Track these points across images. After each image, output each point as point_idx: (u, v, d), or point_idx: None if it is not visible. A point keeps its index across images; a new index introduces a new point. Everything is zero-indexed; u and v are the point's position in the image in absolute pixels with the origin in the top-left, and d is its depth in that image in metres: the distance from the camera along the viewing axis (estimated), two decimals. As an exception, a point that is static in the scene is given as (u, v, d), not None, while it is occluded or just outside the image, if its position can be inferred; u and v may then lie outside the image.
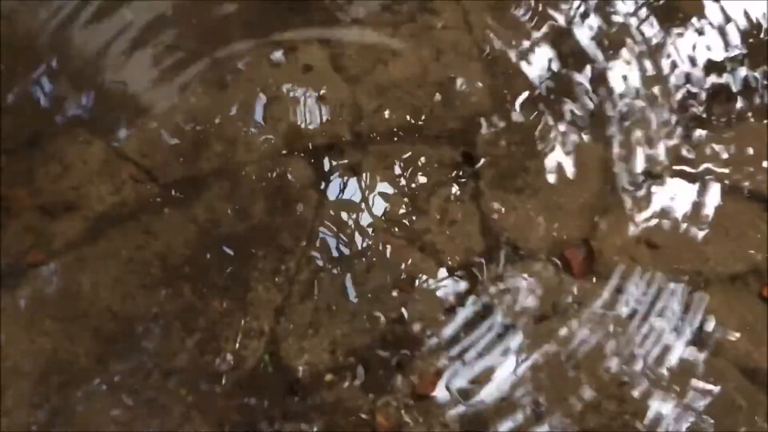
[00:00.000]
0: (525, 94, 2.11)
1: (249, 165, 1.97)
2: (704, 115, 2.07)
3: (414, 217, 1.88)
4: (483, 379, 1.65)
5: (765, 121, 2.04)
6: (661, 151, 2.00)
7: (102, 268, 1.79)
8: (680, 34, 2.26)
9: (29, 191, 1.91)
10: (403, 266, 1.80)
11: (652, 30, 2.27)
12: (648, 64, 2.18)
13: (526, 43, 2.23)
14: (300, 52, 2.20)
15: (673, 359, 1.67)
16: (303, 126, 2.04)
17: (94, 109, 2.09)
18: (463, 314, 1.74)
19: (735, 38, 2.24)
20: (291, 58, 2.18)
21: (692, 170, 1.96)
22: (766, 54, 2.20)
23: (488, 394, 1.63)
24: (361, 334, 1.70)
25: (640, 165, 1.96)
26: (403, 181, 1.94)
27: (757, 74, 2.16)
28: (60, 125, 2.05)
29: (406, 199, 1.91)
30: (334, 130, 2.03)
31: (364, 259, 1.81)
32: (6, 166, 1.95)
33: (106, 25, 2.29)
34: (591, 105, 2.09)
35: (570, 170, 1.96)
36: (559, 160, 1.98)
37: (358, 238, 1.85)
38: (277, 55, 2.19)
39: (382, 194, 1.92)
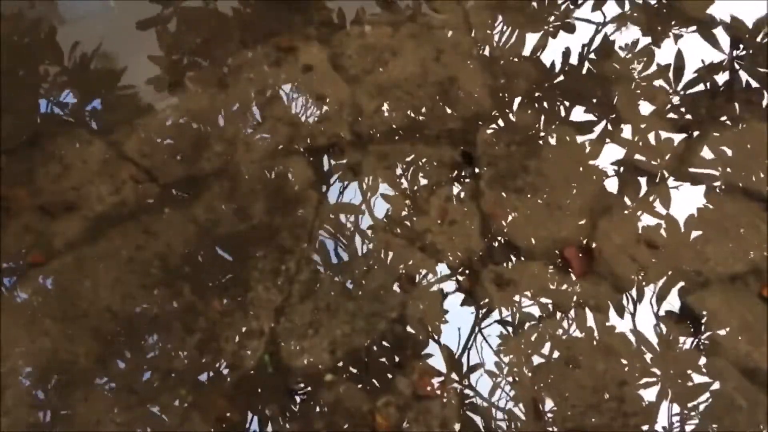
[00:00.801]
0: (525, 94, 2.11)
1: (249, 165, 1.97)
2: (704, 115, 2.07)
3: (414, 217, 1.88)
4: (483, 378, 1.65)
5: (765, 121, 2.04)
6: (661, 151, 2.00)
7: (102, 268, 1.79)
8: (681, 35, 2.26)
9: (29, 191, 1.91)
10: (403, 266, 1.80)
11: (653, 30, 2.28)
12: (648, 64, 2.19)
13: (525, 43, 2.24)
14: (300, 52, 2.20)
15: (673, 359, 1.66)
16: (303, 126, 2.04)
17: (94, 109, 2.09)
18: (463, 314, 1.73)
19: (735, 38, 2.24)
20: (291, 58, 2.19)
21: (692, 170, 1.96)
22: (766, 54, 2.21)
23: (488, 393, 1.63)
24: (361, 334, 1.70)
25: (640, 164, 1.97)
26: (403, 181, 1.94)
27: (757, 74, 2.16)
28: (60, 125, 2.05)
29: (406, 200, 1.91)
30: (334, 130, 2.03)
31: (364, 259, 1.81)
32: (6, 166, 1.96)
33: (107, 25, 2.30)
34: (591, 105, 2.09)
35: (570, 170, 1.96)
36: (559, 159, 1.98)
37: (358, 238, 1.85)
38: (277, 55, 2.19)
39: (383, 194, 1.92)
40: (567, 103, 2.09)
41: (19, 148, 1.99)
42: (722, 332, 1.69)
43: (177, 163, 1.97)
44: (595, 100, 2.10)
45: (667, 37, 2.26)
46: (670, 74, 2.16)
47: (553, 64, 2.19)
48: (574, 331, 1.71)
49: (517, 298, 1.75)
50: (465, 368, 1.66)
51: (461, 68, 2.16)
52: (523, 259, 1.81)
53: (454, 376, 1.65)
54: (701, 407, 1.60)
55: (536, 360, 1.67)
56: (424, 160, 1.98)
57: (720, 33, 2.27)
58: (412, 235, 1.85)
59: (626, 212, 1.88)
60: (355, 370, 1.65)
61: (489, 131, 2.03)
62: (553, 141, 2.01)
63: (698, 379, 1.64)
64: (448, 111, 2.07)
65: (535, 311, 1.74)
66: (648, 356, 1.67)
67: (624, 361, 1.66)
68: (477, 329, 1.72)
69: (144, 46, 2.22)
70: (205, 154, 1.98)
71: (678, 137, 2.02)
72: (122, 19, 2.29)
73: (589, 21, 2.31)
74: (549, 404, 1.61)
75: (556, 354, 1.67)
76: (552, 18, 2.30)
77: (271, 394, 1.62)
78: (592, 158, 1.98)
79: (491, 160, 1.98)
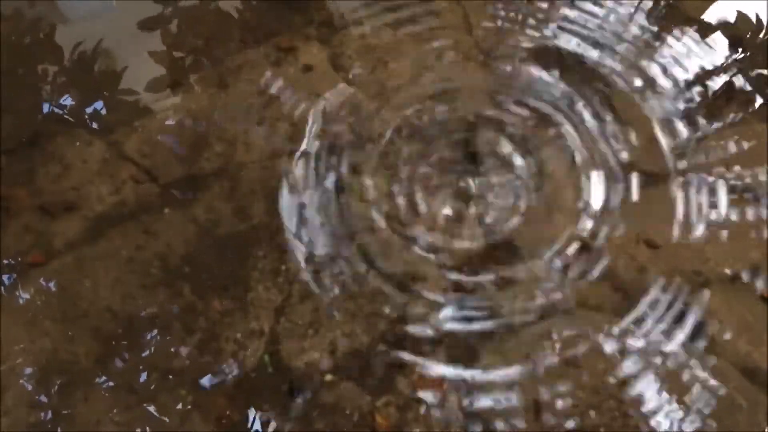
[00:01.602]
0: (525, 94, 2.11)
1: (249, 165, 1.97)
2: (705, 116, 2.07)
3: (414, 217, 1.88)
4: (483, 378, 1.65)
5: (765, 121, 2.04)
6: (661, 150, 2.00)
7: (102, 268, 1.79)
8: (681, 35, 2.26)
9: (29, 191, 1.91)
10: (403, 266, 1.80)
11: (653, 30, 2.28)
12: (648, 64, 2.19)
13: (526, 43, 2.24)
14: (300, 52, 2.20)
15: (673, 359, 1.66)
16: (303, 126, 2.04)
17: (94, 109, 2.09)
18: (463, 314, 1.73)
19: (735, 39, 2.24)
20: (291, 58, 2.19)
21: (692, 170, 1.96)
22: (766, 54, 2.21)
23: (488, 393, 1.63)
24: (361, 334, 1.70)
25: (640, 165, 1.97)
26: (403, 181, 1.94)
27: (757, 75, 2.16)
28: (60, 125, 2.05)
29: (406, 199, 1.91)
30: (335, 130, 2.03)
31: (363, 258, 1.81)
32: (6, 166, 1.96)
33: (106, 25, 2.30)
34: (591, 104, 2.09)
35: (570, 170, 1.96)
36: (559, 159, 1.98)
37: (357, 238, 1.85)
38: (277, 55, 2.19)
39: (382, 194, 1.92)
40: (567, 105, 2.09)
41: (19, 148, 1.99)
42: (722, 332, 1.69)
43: (177, 163, 1.97)
44: (594, 101, 2.10)
45: (668, 37, 2.26)
46: (671, 74, 2.16)
47: (553, 64, 2.18)
48: (574, 330, 1.71)
49: (517, 298, 1.75)
50: (465, 368, 1.66)
51: (461, 68, 2.16)
52: (523, 259, 1.81)
53: (453, 376, 1.65)
54: (701, 407, 1.60)
55: (537, 360, 1.67)
56: (424, 160, 1.98)
57: (721, 33, 2.26)
58: (412, 234, 1.85)
59: (626, 212, 1.88)
60: (355, 371, 1.65)
61: (489, 131, 2.03)
62: (553, 140, 2.01)
63: (698, 378, 1.64)
64: (448, 111, 2.07)
65: (536, 311, 1.74)
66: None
67: (623, 361, 1.66)
68: (477, 329, 1.71)
69: (144, 46, 2.22)
70: (205, 154, 1.99)
71: (678, 137, 2.02)
72: (123, 18, 2.29)
73: (590, 19, 2.31)
74: (549, 404, 1.61)
75: (556, 354, 1.67)
76: (550, 18, 2.30)
77: (271, 394, 1.62)
78: (591, 155, 1.98)
79: (491, 160, 1.98)
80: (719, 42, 2.24)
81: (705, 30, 2.27)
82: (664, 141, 2.02)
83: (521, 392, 1.63)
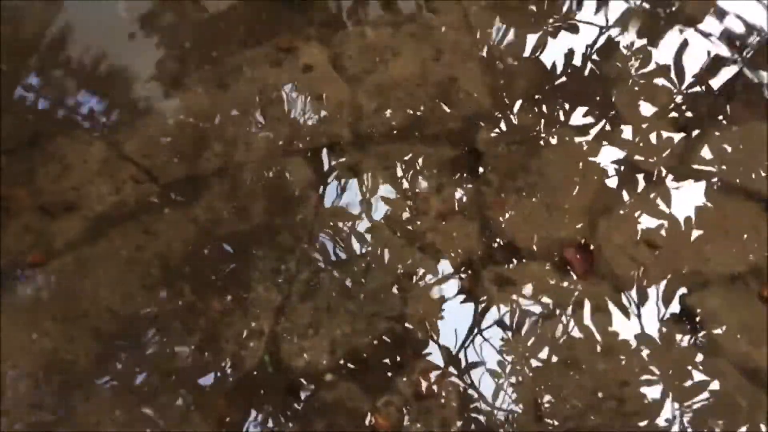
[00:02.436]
0: (525, 94, 2.11)
1: (249, 165, 1.97)
2: (705, 115, 2.07)
3: (414, 217, 1.88)
4: (483, 378, 1.65)
5: (765, 121, 2.04)
6: (661, 150, 2.00)
7: (102, 268, 1.79)
8: (682, 35, 2.26)
9: (29, 191, 1.91)
10: (403, 266, 1.80)
11: (653, 29, 2.28)
12: (649, 64, 2.19)
13: (525, 43, 2.24)
14: (300, 52, 2.20)
15: (673, 359, 1.67)
16: (303, 126, 2.04)
17: (94, 109, 2.09)
18: (463, 314, 1.74)
19: (736, 39, 2.24)
20: (291, 58, 2.19)
21: (692, 170, 1.96)
22: (766, 54, 2.21)
23: (488, 393, 1.63)
24: (361, 334, 1.70)
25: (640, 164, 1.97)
26: (403, 181, 1.94)
27: (757, 74, 2.16)
28: (60, 125, 2.05)
29: (405, 200, 1.91)
30: (334, 130, 2.03)
31: (363, 259, 1.81)
32: (6, 166, 1.95)
33: (106, 24, 2.30)
34: (591, 105, 2.09)
35: (570, 170, 1.96)
36: (559, 159, 1.98)
37: (357, 238, 1.85)
38: (277, 55, 2.19)
39: (382, 194, 1.92)
40: (567, 106, 2.09)
41: (19, 148, 1.99)
42: (722, 332, 1.69)
43: (177, 163, 1.97)
44: (597, 99, 2.10)
45: (668, 37, 2.26)
46: (672, 74, 2.16)
47: (554, 65, 2.18)
48: (573, 330, 1.71)
49: (516, 297, 1.75)
50: (465, 368, 1.66)
51: (461, 68, 2.16)
52: (523, 259, 1.81)
53: (453, 376, 1.65)
54: (701, 407, 1.60)
55: (536, 360, 1.67)
56: (423, 160, 1.98)
57: (721, 32, 2.27)
58: (412, 234, 1.85)
59: (626, 212, 1.88)
60: (355, 370, 1.65)
61: (489, 131, 2.03)
62: (553, 141, 2.01)
63: (698, 378, 1.64)
64: (448, 111, 2.07)
65: (535, 311, 1.74)
66: (645, 353, 1.67)
67: (623, 361, 1.66)
68: (477, 329, 1.72)
69: (144, 46, 2.22)
70: (205, 154, 1.99)
71: (678, 137, 2.02)
72: (123, 18, 2.29)
73: (591, 24, 2.31)
74: (549, 404, 1.61)
75: (555, 354, 1.67)
76: (552, 19, 2.30)
77: (271, 394, 1.62)
78: (591, 155, 1.98)
79: (491, 160, 1.98)
80: (720, 41, 2.24)
81: (705, 29, 2.27)
82: (664, 140, 2.02)
83: (522, 392, 1.63)
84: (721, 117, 2.06)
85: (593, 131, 2.03)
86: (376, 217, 1.88)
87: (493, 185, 1.93)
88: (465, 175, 1.96)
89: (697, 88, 2.14)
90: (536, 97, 2.10)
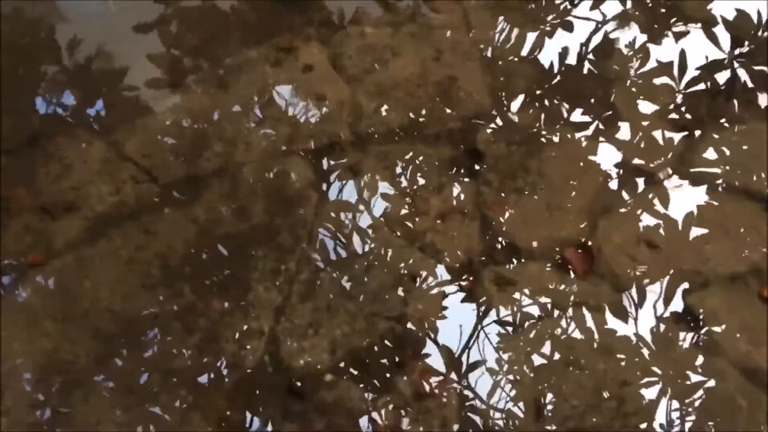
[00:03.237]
0: (525, 94, 2.11)
1: (249, 165, 1.97)
2: (705, 115, 2.07)
3: (414, 217, 1.88)
4: (483, 378, 1.65)
5: (765, 121, 2.04)
6: (661, 150, 2.00)
7: (102, 268, 1.79)
8: (682, 34, 2.26)
9: (29, 191, 1.91)
10: (403, 266, 1.80)
11: (653, 29, 2.28)
12: (647, 63, 2.19)
13: (525, 43, 2.24)
14: (300, 52, 2.20)
15: (673, 359, 1.66)
16: (303, 126, 2.04)
17: (94, 109, 2.09)
18: (464, 314, 1.73)
19: (736, 38, 2.24)
20: (291, 58, 2.19)
21: (692, 170, 1.96)
22: (766, 54, 2.20)
23: (488, 393, 1.63)
24: (361, 334, 1.70)
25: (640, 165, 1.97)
26: (402, 181, 1.94)
27: (757, 73, 2.16)
28: (60, 125, 2.05)
29: (406, 199, 1.91)
30: (334, 130, 2.03)
31: (363, 259, 1.81)
32: (6, 166, 1.95)
33: (106, 25, 2.30)
34: (591, 105, 2.09)
35: (570, 170, 1.96)
36: (559, 159, 1.98)
37: (357, 239, 1.85)
38: (277, 55, 2.19)
39: (382, 194, 1.92)
40: (567, 105, 2.09)
41: (19, 148, 1.99)
42: (722, 332, 1.69)
43: (177, 163, 1.97)
44: (593, 100, 2.10)
45: (667, 36, 2.26)
46: (673, 73, 2.16)
47: (552, 64, 2.18)
48: (573, 330, 1.71)
49: (517, 297, 1.75)
50: (465, 368, 1.66)
51: (461, 68, 2.16)
52: (523, 259, 1.81)
53: (453, 376, 1.65)
54: (701, 407, 1.60)
55: (536, 360, 1.67)
56: (423, 159, 1.98)
57: (720, 31, 2.26)
58: (412, 234, 1.85)
59: (626, 212, 1.88)
60: (355, 370, 1.65)
61: (489, 131, 2.03)
62: (555, 140, 2.01)
63: (698, 378, 1.64)
64: (448, 111, 2.07)
65: (535, 311, 1.74)
66: (646, 352, 1.67)
67: (623, 361, 1.66)
68: (477, 329, 1.71)
69: (144, 46, 2.22)
70: (205, 154, 1.98)
71: (678, 137, 2.02)
72: (123, 18, 2.29)
73: (588, 19, 2.31)
74: (549, 404, 1.61)
75: (556, 354, 1.67)
76: (550, 17, 2.30)
77: (271, 394, 1.62)
78: (591, 153, 1.98)
79: (491, 160, 1.98)
80: (719, 40, 2.24)
81: (705, 28, 2.27)
82: (663, 140, 2.02)
83: (522, 392, 1.63)
84: (721, 117, 2.06)
85: (592, 128, 2.03)
86: (376, 217, 1.88)
87: (493, 185, 1.93)
88: (465, 175, 1.96)
89: (697, 88, 2.13)
90: (537, 92, 2.10)
